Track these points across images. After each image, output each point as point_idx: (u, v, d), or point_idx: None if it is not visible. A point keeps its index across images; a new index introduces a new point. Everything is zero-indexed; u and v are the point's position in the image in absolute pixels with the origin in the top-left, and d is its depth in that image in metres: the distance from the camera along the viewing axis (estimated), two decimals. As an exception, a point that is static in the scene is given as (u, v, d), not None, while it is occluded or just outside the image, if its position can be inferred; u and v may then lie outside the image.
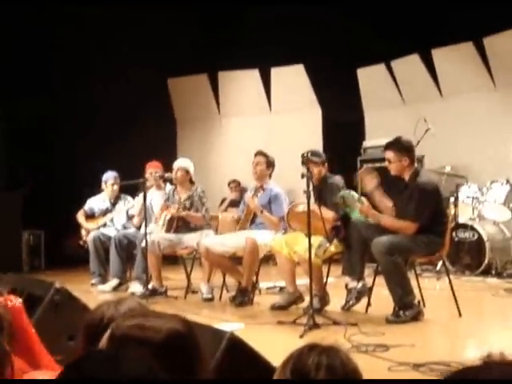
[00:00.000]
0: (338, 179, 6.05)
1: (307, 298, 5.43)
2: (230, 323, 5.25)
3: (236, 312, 6.00)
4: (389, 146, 5.54)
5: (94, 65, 9.88)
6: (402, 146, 5.48)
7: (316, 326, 4.97)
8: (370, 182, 5.76)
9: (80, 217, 8.22)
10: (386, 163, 5.56)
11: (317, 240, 5.41)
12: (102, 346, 1.62)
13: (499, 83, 9.23)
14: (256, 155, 6.77)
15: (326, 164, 6.09)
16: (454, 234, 7.81)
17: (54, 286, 3.37)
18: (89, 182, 8.49)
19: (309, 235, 5.08)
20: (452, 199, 8.19)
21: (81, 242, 8.11)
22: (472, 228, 7.94)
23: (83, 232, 8.15)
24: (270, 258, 7.03)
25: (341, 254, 5.85)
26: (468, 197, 8.34)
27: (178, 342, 1.60)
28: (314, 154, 5.99)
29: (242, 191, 9.39)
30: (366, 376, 3.97)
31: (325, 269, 5.95)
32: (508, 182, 8.09)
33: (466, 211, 8.28)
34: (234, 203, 9.46)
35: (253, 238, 6.36)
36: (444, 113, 9.53)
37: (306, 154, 5.62)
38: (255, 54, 10.20)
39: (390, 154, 5.49)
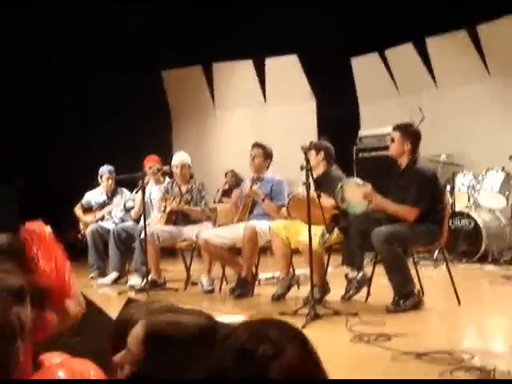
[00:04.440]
0: (339, 172, 6.12)
1: (307, 287, 5.46)
2: (230, 315, 5.29)
3: (236, 304, 6.02)
4: (397, 127, 5.65)
5: (89, 58, 9.83)
6: (409, 131, 5.59)
7: (317, 316, 5.00)
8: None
9: (77, 210, 8.25)
10: (389, 142, 5.67)
11: (319, 229, 5.44)
12: (135, 342, 1.68)
13: (493, 72, 9.25)
14: (253, 147, 6.76)
15: (331, 156, 6.15)
16: (450, 222, 7.85)
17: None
18: (85, 176, 8.49)
19: (309, 225, 5.11)
20: (448, 187, 8.24)
21: (79, 236, 8.12)
22: (468, 216, 7.99)
23: (81, 225, 8.16)
24: (267, 249, 7.04)
25: (340, 244, 5.88)
26: (463, 185, 8.39)
27: (209, 336, 1.65)
28: (321, 144, 6.09)
29: (238, 181, 9.41)
30: (369, 365, 4.01)
31: (324, 258, 5.98)
32: (503, 169, 8.14)
33: (462, 199, 8.32)
34: (229, 192, 9.50)
35: (252, 225, 6.37)
36: (439, 102, 9.56)
37: (309, 144, 5.72)
38: (249, 45, 10.18)
39: (395, 134, 5.60)
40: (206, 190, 7.39)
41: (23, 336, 1.76)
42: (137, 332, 1.72)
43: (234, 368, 1.25)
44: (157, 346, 1.67)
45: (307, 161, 5.26)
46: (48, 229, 2.66)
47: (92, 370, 1.97)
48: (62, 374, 1.91)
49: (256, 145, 6.78)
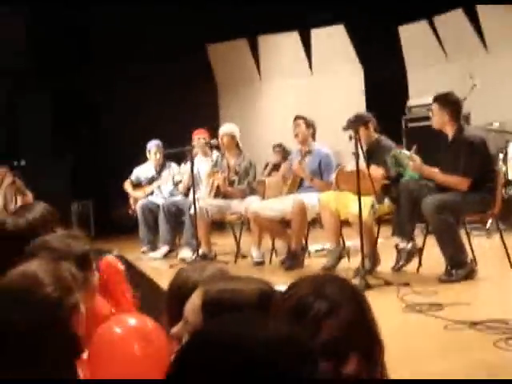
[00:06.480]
0: (389, 141, 6.04)
1: (357, 258, 5.44)
2: (282, 285, 5.29)
3: (287, 275, 6.01)
4: (435, 99, 5.59)
5: (134, 36, 9.86)
6: (445, 101, 5.50)
7: (368, 286, 4.98)
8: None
9: (127, 186, 8.32)
10: (430, 115, 5.61)
11: (369, 200, 5.39)
12: (192, 311, 1.66)
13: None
14: (295, 119, 6.79)
15: (374, 126, 6.06)
16: (504, 190, 7.68)
17: (112, 254, 3.44)
18: (134, 151, 8.56)
19: (359, 196, 5.07)
20: (501, 156, 8.06)
21: (130, 211, 8.21)
22: (522, 184, 7.82)
23: (131, 201, 8.25)
24: (317, 221, 7.01)
25: (390, 215, 5.82)
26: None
27: (268, 302, 1.63)
28: (360, 117, 5.98)
29: (286, 155, 9.37)
30: (422, 334, 3.97)
31: (375, 229, 5.93)
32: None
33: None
34: (278, 167, 9.46)
35: (300, 199, 6.37)
36: (490, 68, 9.31)
37: (351, 119, 5.64)
38: (294, 16, 10.07)
39: (433, 107, 5.56)
40: (254, 168, 7.40)
41: (79, 290, 1.79)
42: (194, 301, 1.68)
43: (288, 321, 1.26)
44: (216, 315, 1.60)
45: (356, 131, 5.20)
46: (121, 266, 3.08)
47: (150, 325, 1.99)
48: (118, 330, 1.95)
49: (296, 117, 6.79)
